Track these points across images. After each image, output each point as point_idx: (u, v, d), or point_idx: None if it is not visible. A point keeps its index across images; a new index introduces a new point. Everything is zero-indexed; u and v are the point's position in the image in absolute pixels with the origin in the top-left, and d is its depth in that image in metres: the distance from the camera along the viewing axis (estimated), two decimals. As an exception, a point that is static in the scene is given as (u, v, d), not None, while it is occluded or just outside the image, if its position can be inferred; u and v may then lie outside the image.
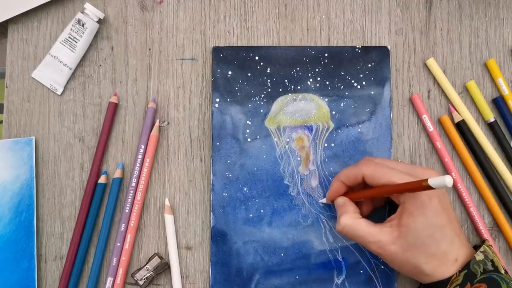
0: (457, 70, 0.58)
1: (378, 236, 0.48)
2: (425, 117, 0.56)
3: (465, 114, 0.57)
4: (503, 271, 0.48)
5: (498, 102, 0.57)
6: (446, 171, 0.56)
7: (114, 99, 0.56)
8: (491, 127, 0.57)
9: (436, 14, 0.59)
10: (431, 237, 0.46)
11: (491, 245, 0.50)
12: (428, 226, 0.46)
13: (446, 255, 0.47)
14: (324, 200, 0.55)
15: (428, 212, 0.46)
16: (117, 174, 0.55)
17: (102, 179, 0.55)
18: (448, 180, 0.40)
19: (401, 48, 0.58)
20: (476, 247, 0.52)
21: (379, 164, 0.49)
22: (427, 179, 0.42)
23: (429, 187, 0.42)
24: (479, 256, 0.47)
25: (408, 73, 0.58)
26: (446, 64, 0.58)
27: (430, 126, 0.56)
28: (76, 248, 0.54)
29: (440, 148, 0.56)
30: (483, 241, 0.53)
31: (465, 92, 0.58)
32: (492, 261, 0.48)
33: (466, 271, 0.47)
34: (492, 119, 0.56)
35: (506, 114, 0.57)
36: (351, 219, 0.49)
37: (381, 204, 0.54)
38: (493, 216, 0.56)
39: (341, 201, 0.51)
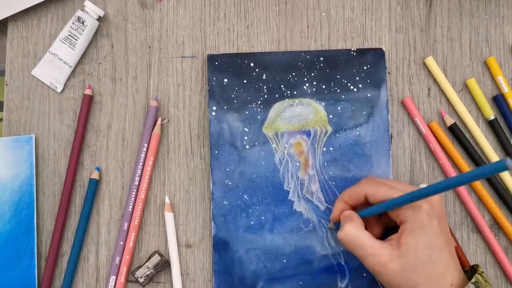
0: (457, 67, 0.58)
1: (380, 250, 0.47)
2: (417, 120, 0.56)
3: (463, 112, 0.57)
4: None
5: (498, 100, 0.57)
6: (443, 172, 0.56)
7: (88, 92, 0.56)
8: (491, 125, 0.57)
9: (437, 12, 0.59)
10: (430, 258, 0.46)
11: (483, 272, 0.49)
12: (428, 246, 0.45)
13: (443, 278, 0.46)
14: (330, 225, 0.54)
15: (428, 232, 0.46)
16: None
17: (94, 175, 0.55)
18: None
19: (401, 45, 0.58)
20: (465, 272, 0.50)
21: (380, 183, 0.48)
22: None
23: None
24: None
25: (409, 70, 0.58)
26: (446, 61, 0.58)
27: (423, 129, 0.56)
28: (56, 247, 0.54)
29: (434, 150, 0.56)
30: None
31: (465, 89, 0.58)
32: None
33: None
34: (492, 117, 0.57)
35: (506, 112, 0.57)
36: (354, 228, 0.48)
37: (392, 224, 0.51)
38: (492, 214, 0.56)
39: (348, 212, 0.50)
